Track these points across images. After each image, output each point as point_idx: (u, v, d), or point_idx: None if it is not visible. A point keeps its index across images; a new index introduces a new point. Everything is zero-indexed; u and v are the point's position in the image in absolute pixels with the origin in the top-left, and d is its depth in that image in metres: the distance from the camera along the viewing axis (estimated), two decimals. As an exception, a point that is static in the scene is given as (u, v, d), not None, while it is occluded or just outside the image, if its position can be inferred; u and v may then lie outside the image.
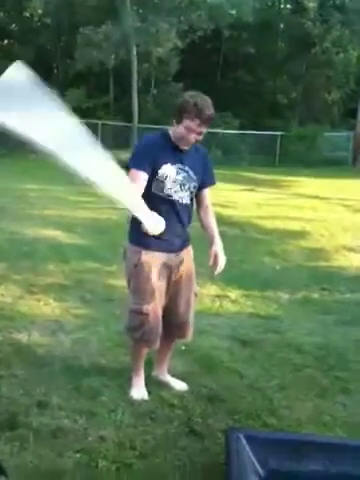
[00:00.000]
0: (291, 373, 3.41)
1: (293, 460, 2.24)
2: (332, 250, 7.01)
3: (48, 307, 4.35)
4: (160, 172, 2.69)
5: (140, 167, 2.66)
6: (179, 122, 2.64)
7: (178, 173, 2.73)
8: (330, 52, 23.98)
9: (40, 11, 23.14)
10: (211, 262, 2.79)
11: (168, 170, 2.70)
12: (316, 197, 11.83)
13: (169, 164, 2.70)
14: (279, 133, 22.48)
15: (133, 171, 2.67)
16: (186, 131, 2.63)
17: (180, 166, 2.74)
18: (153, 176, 2.69)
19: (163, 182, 2.71)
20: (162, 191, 2.72)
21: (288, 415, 2.87)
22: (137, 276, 2.81)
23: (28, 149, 19.19)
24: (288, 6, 26.85)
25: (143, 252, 2.76)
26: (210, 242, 2.84)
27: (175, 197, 2.75)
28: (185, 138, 2.65)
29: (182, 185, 2.75)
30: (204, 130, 2.64)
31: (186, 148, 2.71)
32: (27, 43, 24.00)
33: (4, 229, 7.11)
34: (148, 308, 2.79)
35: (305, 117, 24.64)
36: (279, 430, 2.71)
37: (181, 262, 2.85)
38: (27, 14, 23.94)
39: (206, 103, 2.61)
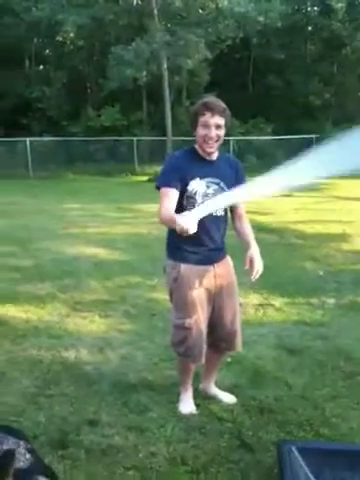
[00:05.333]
0: (342, 381, 3.33)
1: (349, 471, 2.18)
2: (376, 251, 6.84)
3: (94, 324, 4.40)
4: (189, 188, 2.69)
5: (169, 184, 2.67)
6: (196, 126, 2.67)
7: (209, 186, 2.71)
8: (361, 51, 23.65)
9: (72, 35, 23.66)
10: (246, 266, 2.71)
11: (197, 185, 2.69)
12: (355, 198, 11.60)
13: (198, 179, 2.69)
14: (314, 136, 22.19)
15: (163, 189, 2.69)
16: (204, 128, 2.64)
17: (210, 179, 2.72)
18: (183, 192, 2.69)
19: (193, 198, 2.70)
20: (194, 207, 2.69)
21: (341, 424, 2.81)
22: (177, 290, 2.81)
23: (68, 170, 19.77)
24: (315, 8, 26.59)
25: (182, 266, 2.77)
26: (245, 248, 2.78)
27: None
28: (207, 137, 2.64)
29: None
30: (221, 122, 2.63)
31: (212, 151, 2.70)
32: (61, 67, 24.61)
33: (47, 249, 7.26)
34: (190, 322, 2.78)
35: (339, 118, 24.23)
36: (333, 440, 2.65)
37: (220, 273, 2.83)
38: (60, 38, 24.53)
39: (212, 98, 2.72)
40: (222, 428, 2.77)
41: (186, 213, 2.39)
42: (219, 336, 2.93)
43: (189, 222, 2.31)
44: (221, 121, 2.64)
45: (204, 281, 2.79)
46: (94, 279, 5.70)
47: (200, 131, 2.65)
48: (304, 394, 3.15)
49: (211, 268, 2.79)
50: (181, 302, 2.81)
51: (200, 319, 2.80)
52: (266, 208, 10.26)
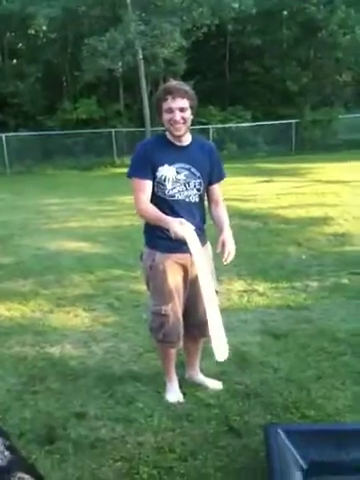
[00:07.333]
0: (327, 362, 3.37)
1: (334, 450, 2.20)
2: (357, 233, 6.89)
3: (78, 318, 4.38)
4: (158, 175, 2.67)
5: (141, 175, 2.67)
6: (161, 113, 2.66)
7: (179, 172, 2.69)
8: (337, 34, 23.60)
9: (44, 28, 23.30)
10: (218, 249, 2.66)
11: (166, 171, 2.67)
12: (336, 182, 11.67)
13: (166, 165, 2.67)
14: (293, 121, 22.25)
15: (136, 181, 2.69)
16: (168, 113, 2.62)
17: (181, 165, 2.69)
18: (153, 179, 2.68)
19: (163, 184, 2.68)
20: (164, 193, 2.69)
21: (327, 405, 2.83)
22: (153, 278, 2.81)
23: (46, 165, 19.55)
24: (290, -8, 26.44)
25: (157, 254, 2.76)
26: (219, 232, 2.74)
27: (180, 197, 2.71)
28: (172, 120, 2.62)
29: (186, 184, 2.71)
30: (184, 104, 2.61)
31: (180, 133, 2.66)
32: (35, 60, 24.24)
33: (28, 245, 7.19)
34: (167, 309, 2.80)
35: (317, 102, 24.29)
36: (319, 421, 2.68)
37: None
38: (32, 32, 24.14)
39: (173, 82, 2.71)
40: (209, 414, 2.79)
41: (183, 221, 2.51)
42: (192, 323, 2.93)
43: (186, 230, 2.48)
44: (184, 103, 2.61)
45: (180, 269, 2.78)
46: (77, 273, 5.67)
47: (165, 116, 2.64)
48: (290, 377, 3.17)
49: (187, 256, 2.72)
50: (157, 290, 2.81)
51: (176, 306, 2.81)
52: (248, 195, 10.28)
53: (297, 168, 15.33)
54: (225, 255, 2.65)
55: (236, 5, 21.57)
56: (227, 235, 2.70)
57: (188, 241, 2.51)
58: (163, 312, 2.80)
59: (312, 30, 23.96)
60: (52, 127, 22.18)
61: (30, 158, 20.29)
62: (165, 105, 2.62)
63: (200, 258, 2.54)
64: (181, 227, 2.49)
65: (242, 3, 21.54)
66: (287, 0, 24.47)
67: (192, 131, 2.80)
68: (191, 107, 2.64)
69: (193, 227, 2.55)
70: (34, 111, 23.55)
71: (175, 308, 2.81)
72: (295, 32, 25.68)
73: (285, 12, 25.77)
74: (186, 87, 2.66)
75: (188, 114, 2.64)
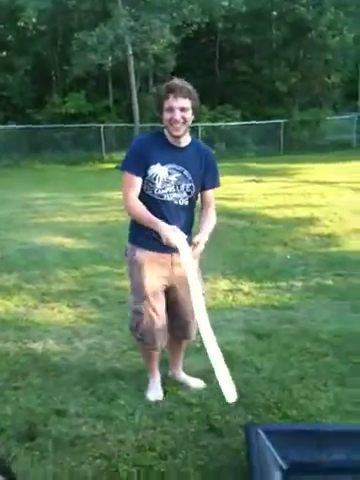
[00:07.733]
0: (309, 362, 3.38)
1: (314, 451, 2.21)
2: (343, 234, 6.94)
3: (62, 314, 4.35)
4: (149, 172, 2.63)
5: (133, 171, 2.63)
6: (162, 111, 2.59)
7: (171, 173, 2.64)
8: (326, 36, 23.72)
9: (34, 20, 23.05)
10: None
11: (158, 170, 2.62)
12: (323, 182, 11.72)
13: (159, 164, 2.62)
14: (282, 121, 22.33)
15: (127, 175, 2.65)
16: (169, 112, 2.56)
17: (173, 166, 2.64)
18: (144, 176, 2.64)
19: (153, 183, 2.64)
20: (153, 192, 2.65)
21: (309, 405, 2.84)
22: (132, 275, 2.80)
23: (34, 159, 19.40)
24: (280, -8, 26.49)
25: (137, 251, 2.73)
26: (197, 232, 2.68)
27: (169, 198, 2.66)
28: (172, 119, 2.56)
29: (177, 186, 2.66)
30: (185, 104, 2.55)
31: (179, 134, 2.60)
32: (24, 52, 24.02)
33: (13, 239, 7.13)
34: (142, 308, 2.77)
35: (306, 103, 24.40)
36: (300, 421, 2.68)
37: (180, 262, 2.62)
38: (21, 24, 23.88)
39: (176, 80, 2.60)
40: (191, 413, 2.78)
41: (175, 228, 2.48)
42: (176, 325, 2.92)
43: (178, 238, 2.46)
44: (186, 103, 2.55)
45: (159, 268, 2.73)
46: (62, 269, 5.63)
47: (165, 115, 2.58)
48: (272, 377, 3.18)
49: (168, 256, 2.69)
50: (135, 287, 2.80)
51: (153, 306, 2.77)
52: (236, 194, 10.28)
53: (285, 168, 15.37)
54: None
55: (226, 3, 21.58)
56: (202, 237, 2.61)
57: (180, 249, 2.47)
58: (140, 310, 2.78)
59: (301, 31, 24.04)
60: (40, 121, 22.03)
61: (18, 152, 20.12)
62: (166, 103, 2.55)
63: (191, 268, 2.49)
64: (173, 234, 2.46)
65: (232, 1, 21.55)
66: (277, 0, 24.52)
67: (191, 133, 2.74)
68: (193, 108, 2.58)
69: (186, 236, 2.52)
70: (23, 104, 23.38)
71: (151, 308, 2.77)
72: (284, 32, 25.76)
73: (275, 12, 25.79)
74: (189, 86, 2.58)
75: (189, 115, 2.58)
